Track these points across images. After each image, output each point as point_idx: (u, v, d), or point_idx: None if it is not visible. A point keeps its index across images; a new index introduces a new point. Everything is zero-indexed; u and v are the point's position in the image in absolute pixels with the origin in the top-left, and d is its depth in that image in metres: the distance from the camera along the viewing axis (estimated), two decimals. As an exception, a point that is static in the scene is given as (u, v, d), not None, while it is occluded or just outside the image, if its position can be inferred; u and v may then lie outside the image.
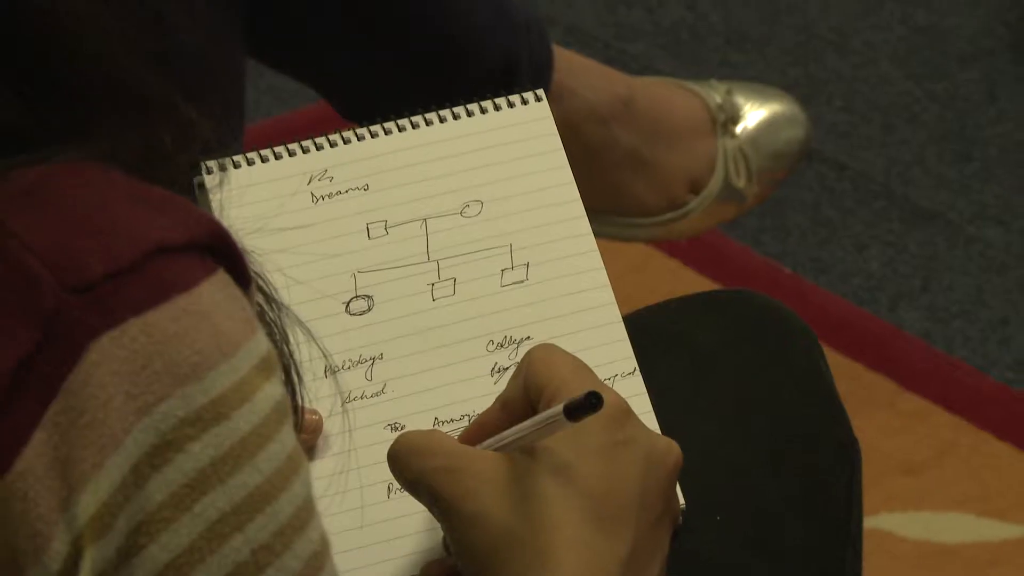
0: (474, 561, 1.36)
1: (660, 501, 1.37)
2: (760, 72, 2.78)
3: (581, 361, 1.41)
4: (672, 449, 1.38)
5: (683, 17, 3.14)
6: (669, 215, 2.36)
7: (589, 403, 1.28)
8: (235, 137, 1.33)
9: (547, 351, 1.41)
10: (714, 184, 2.38)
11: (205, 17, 1.21)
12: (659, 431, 1.47)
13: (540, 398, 1.37)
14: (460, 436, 1.44)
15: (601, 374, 1.46)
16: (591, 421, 1.32)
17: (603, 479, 1.35)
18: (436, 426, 1.48)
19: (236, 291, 1.09)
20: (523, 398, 1.39)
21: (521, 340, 1.55)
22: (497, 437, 1.38)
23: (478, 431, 1.42)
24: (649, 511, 1.37)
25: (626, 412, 1.37)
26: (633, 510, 1.35)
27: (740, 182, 2.38)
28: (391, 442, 1.43)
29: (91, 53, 1.11)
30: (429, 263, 1.59)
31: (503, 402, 1.41)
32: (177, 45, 1.20)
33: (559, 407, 1.30)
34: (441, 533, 1.42)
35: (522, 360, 1.41)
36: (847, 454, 1.64)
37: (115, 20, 1.12)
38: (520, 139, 1.66)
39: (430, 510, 1.38)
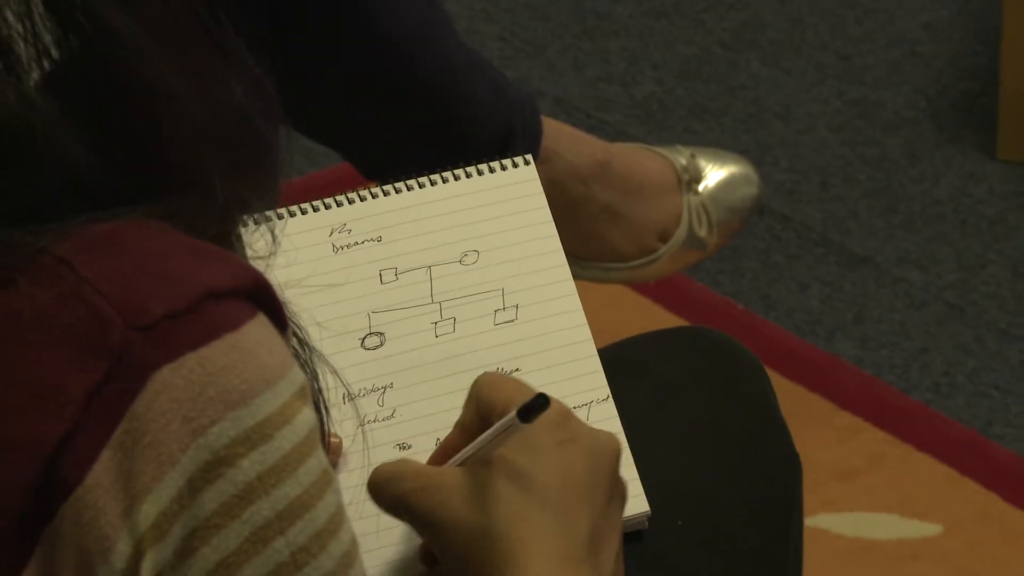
0: (457, 561, 1.36)
1: (608, 485, 1.36)
2: (718, 138, 2.76)
3: (521, 381, 1.41)
4: (611, 441, 1.37)
5: (653, 92, 3.13)
6: (641, 260, 2.36)
7: (538, 403, 1.28)
8: (273, 196, 1.32)
9: (492, 378, 1.42)
10: (680, 234, 2.37)
11: (262, 101, 1.19)
12: (629, 448, 1.47)
13: (492, 415, 1.36)
14: (428, 459, 1.43)
15: (578, 400, 1.51)
16: (538, 426, 1.32)
17: (555, 473, 1.34)
18: (438, 445, 1.45)
19: (274, 331, 1.08)
20: (477, 419, 1.39)
21: (511, 371, 1.54)
22: (459, 454, 1.37)
23: (442, 453, 1.42)
24: (600, 494, 1.36)
25: (567, 414, 1.37)
26: (586, 495, 1.35)
27: (702, 232, 2.38)
28: (400, 458, 1.43)
29: (174, 135, 1.11)
30: (433, 304, 1.59)
31: (461, 426, 1.40)
32: (238, 126, 1.18)
33: (512, 413, 1.30)
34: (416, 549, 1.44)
35: (471, 388, 1.41)
36: (789, 466, 1.63)
37: (199, 105, 1.12)
38: (511, 198, 1.67)
39: (411, 526, 1.37)
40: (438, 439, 1.46)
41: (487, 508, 1.34)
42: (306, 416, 1.08)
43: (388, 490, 1.37)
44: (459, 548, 1.36)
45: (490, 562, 1.33)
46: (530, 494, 1.33)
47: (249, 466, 1.05)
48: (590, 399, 1.53)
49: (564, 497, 1.34)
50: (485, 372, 1.44)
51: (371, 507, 1.39)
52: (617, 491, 1.38)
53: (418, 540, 1.43)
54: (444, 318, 1.59)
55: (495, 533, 1.33)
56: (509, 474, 1.34)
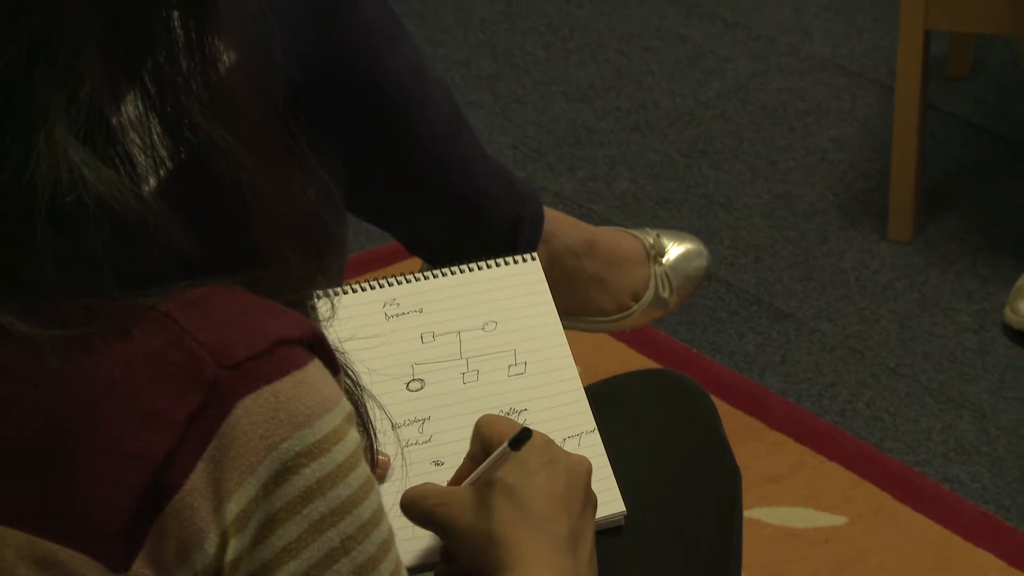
0: (469, 558, 1.37)
1: (582, 496, 1.37)
2: (677, 223, 2.74)
3: (513, 420, 1.45)
4: (584, 462, 1.39)
5: (628, 188, 3.11)
6: (618, 316, 2.34)
7: (523, 435, 1.32)
8: (338, 273, 1.33)
9: (490, 418, 1.43)
10: (648, 295, 2.36)
11: (329, 199, 1.20)
12: (610, 467, 1.49)
13: (491, 446, 1.38)
14: (449, 481, 1.44)
15: (571, 432, 1.53)
16: (526, 452, 1.34)
17: (540, 488, 1.35)
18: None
19: (328, 372, 1.07)
20: (480, 451, 1.40)
21: (521, 410, 1.56)
22: (470, 477, 1.39)
23: (457, 478, 1.43)
24: (576, 504, 1.36)
25: (550, 443, 1.39)
26: (565, 505, 1.36)
27: (665, 294, 2.37)
28: (435, 475, 1.49)
29: (260, 225, 1.10)
30: (461, 360, 1.61)
31: (470, 456, 1.42)
32: (310, 219, 1.19)
33: (505, 444, 1.33)
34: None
35: (475, 427, 1.42)
36: (733, 475, 1.62)
37: (280, 202, 1.12)
38: (521, 283, 1.68)
39: (434, 532, 1.40)
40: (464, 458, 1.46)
41: (489, 517, 1.35)
42: (354, 435, 1.07)
43: (415, 506, 1.38)
44: (469, 548, 1.36)
45: (492, 558, 1.34)
46: (521, 506, 1.34)
47: (310, 473, 1.04)
48: (580, 431, 1.53)
49: (547, 507, 1.35)
50: (485, 414, 1.43)
51: None
52: (590, 501, 1.38)
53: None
54: (470, 370, 1.60)
55: (495, 536, 1.34)
56: (504, 491, 1.35)
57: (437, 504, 1.37)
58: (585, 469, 1.38)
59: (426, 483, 1.40)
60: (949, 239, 3.00)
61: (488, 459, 1.36)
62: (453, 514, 1.36)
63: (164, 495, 1.02)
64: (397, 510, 1.36)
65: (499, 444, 1.36)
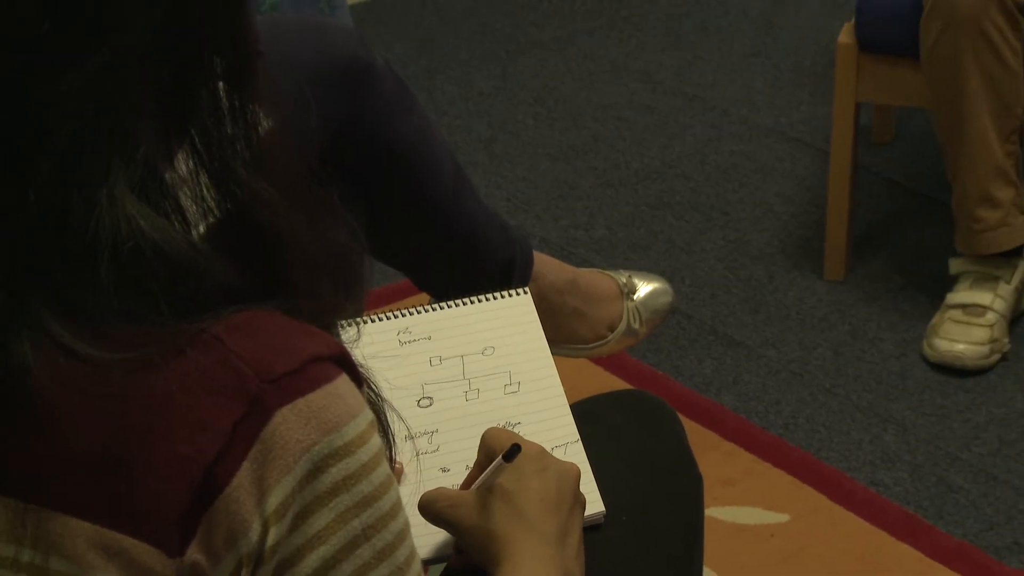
0: (474, 551, 1.36)
1: (570, 499, 1.36)
2: (646, 265, 2.73)
3: (513, 432, 1.42)
4: (573, 468, 1.38)
5: (604, 234, 3.11)
6: (596, 344, 2.34)
7: (515, 450, 1.33)
8: (360, 304, 1.33)
9: (494, 431, 1.41)
10: (622, 327, 2.35)
11: (354, 241, 1.20)
12: (592, 473, 1.48)
13: (494, 456, 1.37)
14: (460, 486, 1.43)
15: (558, 442, 1.51)
16: (522, 460, 1.35)
17: (533, 492, 1.35)
18: (466, 470, 1.45)
19: (354, 385, 1.07)
20: (486, 459, 1.39)
21: (515, 424, 1.54)
22: (475, 483, 1.38)
23: (466, 483, 1.42)
24: (565, 505, 1.36)
25: (542, 452, 1.38)
26: (555, 506, 1.35)
27: (636, 326, 2.36)
28: (442, 480, 1.48)
29: (296, 263, 1.10)
30: (464, 380, 1.61)
31: (477, 464, 1.41)
32: (339, 258, 1.19)
33: (500, 457, 1.34)
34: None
35: (481, 439, 1.41)
36: (695, 481, 1.61)
37: (314, 244, 1.12)
38: (515, 315, 1.67)
39: (446, 529, 1.39)
40: (467, 466, 1.45)
41: (489, 517, 1.34)
42: (376, 440, 1.07)
43: (430, 508, 1.38)
44: (474, 543, 1.36)
45: (492, 552, 1.33)
46: (516, 507, 1.34)
47: (337, 471, 1.04)
48: (566, 441, 1.52)
49: (539, 508, 1.34)
50: (490, 427, 1.42)
51: None
52: (577, 503, 1.38)
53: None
54: (472, 389, 1.59)
55: (494, 533, 1.34)
56: (502, 495, 1.35)
57: (447, 506, 1.36)
58: (574, 475, 1.37)
59: (439, 488, 1.39)
60: (875, 279, 2.99)
61: (489, 468, 1.36)
62: (460, 514, 1.35)
63: (214, 491, 1.01)
64: (412, 509, 1.35)
65: (497, 450, 1.36)
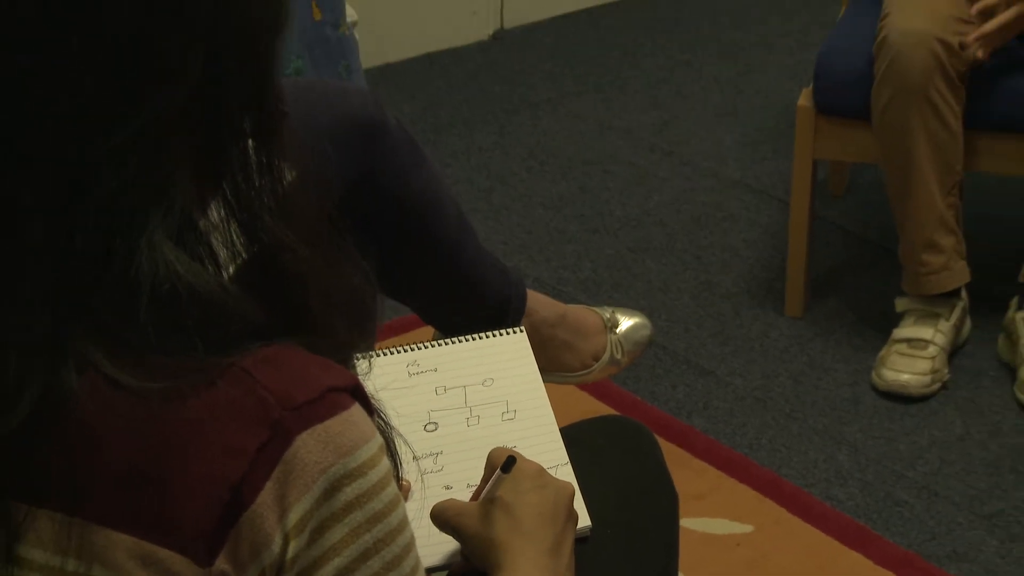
0: (478, 559, 1.35)
1: (565, 513, 1.35)
2: (628, 302, 2.72)
3: (516, 451, 1.40)
4: (568, 487, 1.37)
5: (591, 275, 3.11)
6: (583, 372, 2.33)
7: (510, 461, 1.34)
8: (372, 339, 1.34)
9: (498, 450, 1.40)
10: (605, 357, 2.34)
11: (367, 283, 1.21)
12: (579, 491, 1.47)
13: (496, 464, 1.37)
14: (469, 498, 1.42)
15: (550, 464, 1.47)
16: (521, 477, 1.35)
17: (531, 506, 1.34)
18: (469, 487, 1.44)
19: (366, 413, 1.07)
20: (490, 475, 1.38)
21: (511, 447, 1.48)
22: (481, 495, 1.37)
23: (474, 495, 1.41)
24: (560, 519, 1.35)
25: (541, 471, 1.37)
26: (550, 519, 1.34)
27: (619, 356, 2.35)
28: (445, 495, 1.46)
29: (315, 303, 1.10)
30: (466, 408, 1.60)
31: (483, 479, 1.41)
32: (354, 298, 1.19)
33: (498, 469, 1.35)
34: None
35: (487, 458, 1.41)
36: (672, 497, 1.61)
37: (331, 286, 1.12)
38: (511, 349, 1.67)
39: (453, 536, 1.38)
40: (468, 484, 1.45)
41: (491, 527, 1.34)
42: (385, 463, 1.06)
43: (440, 517, 1.37)
44: (476, 550, 1.35)
45: (492, 559, 1.33)
46: (515, 519, 1.33)
47: (351, 491, 1.03)
48: (556, 463, 1.51)
49: (536, 521, 1.33)
50: (496, 447, 1.41)
51: (425, 522, 1.39)
52: (571, 517, 1.37)
53: (450, 542, 1.42)
54: (472, 415, 1.59)
55: (495, 542, 1.33)
56: (503, 507, 1.34)
57: (454, 515, 1.36)
58: (569, 492, 1.36)
59: (450, 499, 1.39)
60: (830, 316, 2.99)
61: (490, 480, 1.36)
62: (465, 523, 1.35)
63: (240, 508, 1.01)
64: (417, 523, 1.34)
65: (500, 465, 1.36)
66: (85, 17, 1.00)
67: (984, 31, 2.67)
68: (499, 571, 1.31)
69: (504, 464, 1.34)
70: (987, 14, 2.69)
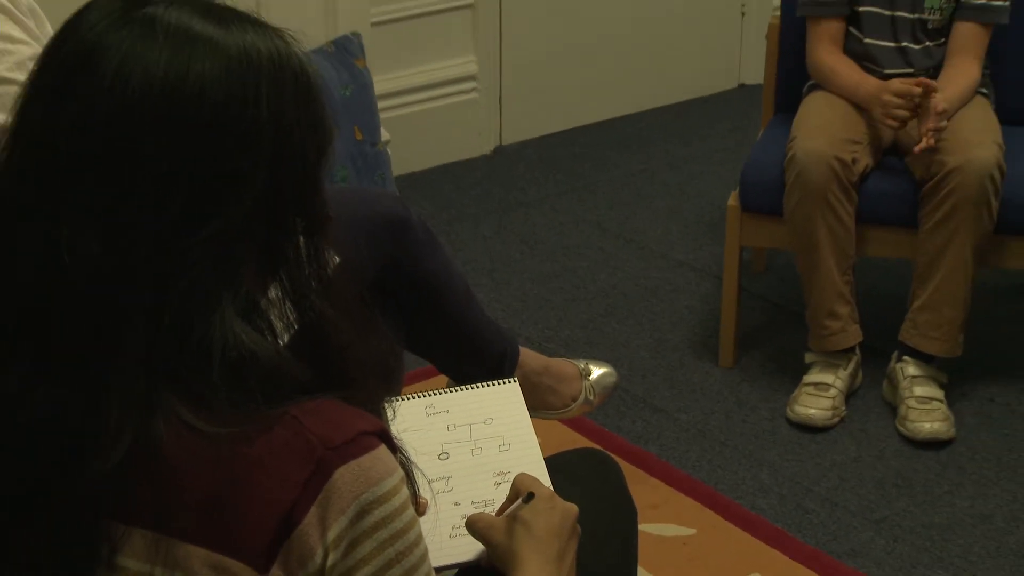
0: (499, 561, 1.32)
1: (569, 530, 1.32)
2: (598, 356, 2.67)
3: (534, 477, 1.38)
4: (572, 508, 1.34)
5: (569, 335, 3.07)
6: (563, 410, 2.33)
7: (529, 496, 1.33)
8: (398, 390, 1.32)
9: (521, 475, 1.38)
10: (581, 398, 2.33)
11: (391, 346, 1.20)
12: None
13: (518, 493, 1.35)
14: (496, 512, 1.38)
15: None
16: (537, 500, 1.33)
17: (545, 523, 1.31)
18: (473, 505, 1.42)
19: (390, 451, 1.05)
20: (514, 495, 1.36)
21: (506, 472, 1.47)
22: (506, 512, 1.35)
23: (500, 511, 1.38)
24: (565, 534, 1.32)
25: (552, 495, 1.34)
26: (558, 534, 1.31)
27: (591, 398, 2.35)
28: (454, 511, 1.44)
29: (352, 365, 1.09)
30: (471, 441, 1.57)
31: (509, 499, 1.34)
32: (381, 360, 1.17)
33: (519, 500, 1.33)
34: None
35: (513, 481, 1.37)
36: (632, 515, 1.59)
37: (364, 350, 1.10)
38: (507, 395, 1.64)
39: (481, 542, 1.33)
40: (472, 502, 1.44)
41: (511, 538, 1.31)
42: (405, 491, 1.05)
43: (473, 526, 1.34)
44: (497, 553, 1.32)
45: (509, 562, 1.30)
46: (530, 532, 1.30)
47: (378, 513, 1.02)
48: None
49: (546, 535, 1.30)
50: (520, 473, 1.38)
51: (437, 537, 1.37)
52: (575, 533, 1.34)
53: (458, 554, 1.39)
54: (476, 447, 1.56)
55: (512, 550, 1.30)
56: (522, 523, 1.31)
57: (484, 526, 1.33)
58: (573, 513, 1.33)
59: (481, 513, 1.37)
60: (754, 366, 2.97)
61: (514, 504, 1.34)
62: (491, 534, 1.32)
63: (291, 527, 1.00)
64: (433, 530, 1.32)
65: (523, 493, 1.34)
66: (185, 153, 1.00)
67: (927, 128, 2.62)
68: (515, 573, 1.29)
69: (525, 497, 1.32)
70: (904, 117, 2.66)
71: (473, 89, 3.90)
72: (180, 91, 0.99)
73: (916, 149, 2.63)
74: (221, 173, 1.00)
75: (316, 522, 1.00)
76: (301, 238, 1.07)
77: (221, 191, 1.00)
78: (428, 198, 3.69)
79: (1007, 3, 2.79)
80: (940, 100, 2.63)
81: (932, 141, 2.61)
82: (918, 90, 2.64)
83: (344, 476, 1.00)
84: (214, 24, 1.02)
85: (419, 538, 1.05)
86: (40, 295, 0.99)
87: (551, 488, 1.37)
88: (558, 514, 1.32)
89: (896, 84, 2.68)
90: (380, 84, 3.49)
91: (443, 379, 2.30)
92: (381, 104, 3.42)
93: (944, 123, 2.64)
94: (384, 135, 3.33)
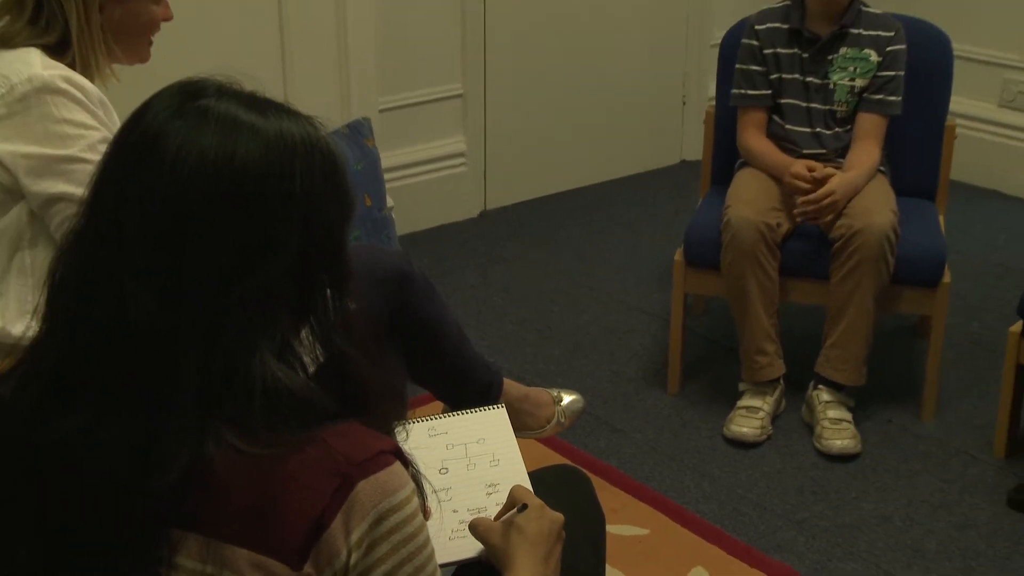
0: (496, 560, 1.30)
1: (555, 536, 1.30)
2: (568, 385, 2.67)
3: (528, 489, 1.36)
4: (559, 517, 1.32)
5: (543, 368, 3.05)
6: (539, 431, 2.30)
7: (522, 507, 1.31)
8: (404, 414, 1.31)
9: (517, 488, 1.36)
10: (554, 421, 2.31)
11: (401, 377, 1.18)
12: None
13: (514, 503, 1.33)
14: (495, 517, 1.35)
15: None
16: (530, 508, 1.30)
17: (535, 529, 1.29)
18: (468, 511, 1.39)
19: (403, 466, 1.04)
20: (510, 504, 1.35)
21: (496, 484, 1.45)
22: (504, 517, 1.33)
23: (498, 516, 1.35)
24: (552, 538, 1.30)
25: (542, 505, 1.32)
26: (545, 539, 1.29)
27: (563, 420, 2.32)
28: (453, 516, 1.38)
29: (370, 394, 1.07)
30: (467, 458, 1.53)
31: (505, 507, 1.32)
32: (393, 389, 1.18)
33: (515, 509, 1.31)
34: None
35: (510, 492, 1.35)
36: (601, 522, 1.57)
37: (379, 381, 1.08)
38: (496, 420, 1.65)
39: (481, 543, 1.29)
40: (468, 508, 1.41)
41: (506, 541, 1.29)
42: (415, 500, 1.03)
43: (475, 529, 1.32)
44: (494, 553, 1.30)
45: (504, 561, 1.28)
46: (523, 536, 1.29)
47: (393, 520, 1.01)
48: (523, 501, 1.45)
49: (536, 538, 1.29)
50: (516, 484, 1.35)
51: (440, 539, 1.33)
52: (560, 538, 1.32)
53: (458, 554, 1.37)
54: (471, 463, 1.54)
55: (507, 551, 1.28)
56: (516, 528, 1.30)
57: (484, 530, 1.32)
58: (560, 521, 1.32)
59: (482, 517, 1.34)
60: (697, 393, 2.96)
61: (510, 512, 1.32)
62: (490, 536, 1.31)
63: (320, 531, 0.99)
64: (437, 533, 1.30)
65: (518, 503, 1.33)
66: (231, 221, 1.00)
67: (805, 201, 2.67)
68: (508, 571, 1.27)
69: (519, 507, 1.31)
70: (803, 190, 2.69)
71: (462, 164, 3.91)
72: (227, 169, 0.99)
73: (795, 211, 2.68)
74: (261, 239, 1.00)
75: (341, 527, 0.99)
76: (328, 290, 1.07)
77: (261, 254, 1.00)
78: (426, 254, 3.69)
79: (900, 99, 2.83)
80: (825, 190, 2.67)
81: (806, 211, 2.68)
82: (809, 177, 2.68)
83: (365, 488, 1.00)
84: (255, 113, 1.02)
85: (427, 540, 1.04)
86: (108, 342, 0.99)
87: (540, 499, 1.36)
88: (547, 521, 1.31)
89: (795, 168, 2.72)
90: (386, 159, 3.51)
91: (440, 404, 2.28)
92: (387, 176, 3.43)
93: (826, 201, 2.67)
94: (389, 202, 3.33)
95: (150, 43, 1.89)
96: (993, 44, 3.87)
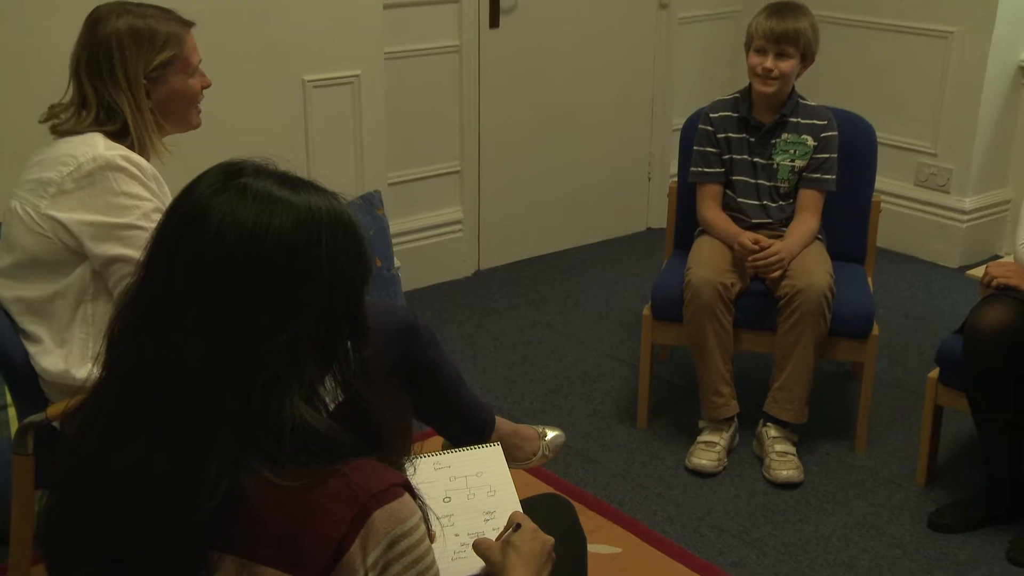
0: None
1: (547, 555, 1.28)
2: (551, 422, 2.68)
3: (524, 514, 1.33)
4: (550, 539, 1.30)
5: (529, 407, 3.02)
6: (526, 462, 2.29)
7: (517, 526, 1.28)
8: (409, 450, 1.30)
9: (515, 513, 1.33)
10: (539, 454, 2.30)
11: (409, 416, 1.17)
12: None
13: (511, 525, 1.31)
14: (496, 538, 1.30)
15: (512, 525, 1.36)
16: (525, 531, 1.28)
17: (529, 548, 1.27)
18: (468, 535, 1.35)
19: (412, 497, 1.02)
20: (508, 526, 1.32)
21: (493, 511, 1.42)
22: (503, 537, 1.27)
23: (498, 537, 1.33)
24: (544, 557, 1.27)
25: (536, 528, 1.30)
26: (538, 557, 1.27)
27: (547, 453, 2.32)
28: (455, 540, 1.35)
29: (384, 432, 1.04)
30: (467, 488, 1.49)
31: (504, 529, 1.30)
32: (403, 427, 1.14)
33: (511, 528, 1.29)
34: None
35: (509, 516, 1.32)
36: (582, 540, 1.52)
37: (393, 420, 1.07)
38: (492, 456, 1.63)
39: (483, 560, 1.26)
40: (468, 533, 1.38)
41: (504, 558, 1.27)
42: (423, 527, 1.02)
43: (478, 547, 1.30)
44: (494, 570, 1.27)
45: None
46: (519, 555, 1.27)
47: (403, 544, 1.00)
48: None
49: (530, 557, 1.27)
50: (515, 510, 1.33)
51: (442, 561, 1.29)
52: (551, 558, 1.30)
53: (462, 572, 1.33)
54: (471, 493, 1.52)
55: (505, 567, 1.26)
56: (513, 547, 1.28)
57: (485, 548, 1.29)
58: (551, 543, 1.30)
59: (484, 537, 1.31)
60: (662, 429, 2.93)
61: (508, 532, 1.30)
62: (490, 554, 1.29)
63: (341, 554, 0.98)
64: (441, 554, 1.27)
65: (513, 525, 1.31)
66: (266, 283, 1.00)
67: (756, 259, 2.69)
68: None
69: (515, 527, 1.29)
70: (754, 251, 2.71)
71: (459, 230, 3.93)
72: (263, 238, 1.00)
73: (747, 266, 2.73)
74: (292, 297, 1.00)
75: (359, 550, 0.98)
76: (348, 341, 1.07)
77: (292, 310, 1.00)
78: (428, 308, 3.68)
79: (834, 177, 2.87)
80: (771, 250, 2.70)
81: (756, 266, 2.69)
82: (754, 249, 2.70)
83: (380, 516, 0.99)
84: (287, 189, 1.03)
85: (433, 561, 1.03)
86: (159, 387, 0.98)
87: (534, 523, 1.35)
88: (540, 542, 1.30)
89: (741, 239, 2.74)
90: (394, 226, 3.53)
91: (440, 439, 2.27)
92: (394, 240, 3.44)
93: (773, 258, 2.69)
94: (396, 263, 3.34)
95: (198, 111, 1.91)
96: (910, 133, 4.05)
